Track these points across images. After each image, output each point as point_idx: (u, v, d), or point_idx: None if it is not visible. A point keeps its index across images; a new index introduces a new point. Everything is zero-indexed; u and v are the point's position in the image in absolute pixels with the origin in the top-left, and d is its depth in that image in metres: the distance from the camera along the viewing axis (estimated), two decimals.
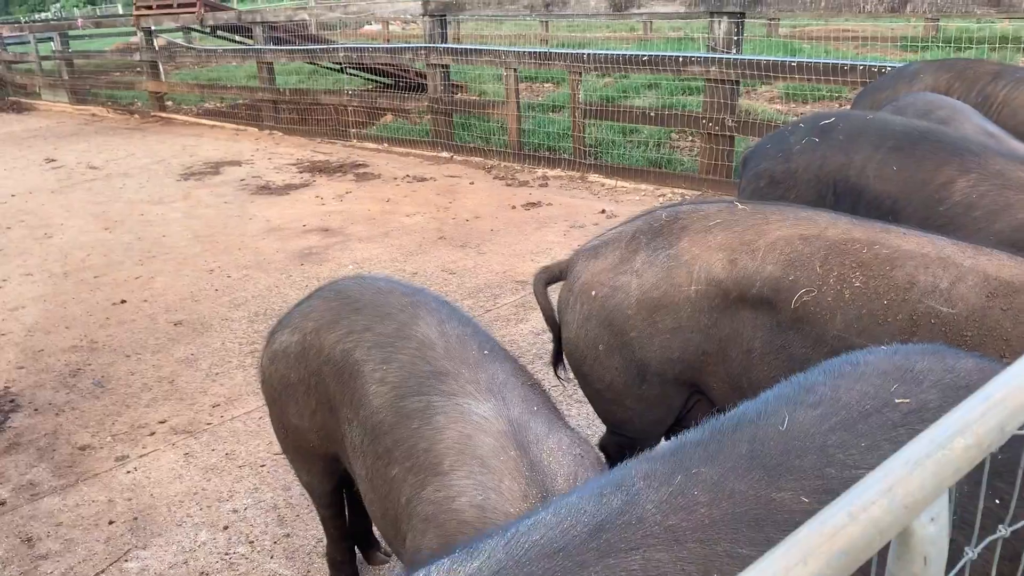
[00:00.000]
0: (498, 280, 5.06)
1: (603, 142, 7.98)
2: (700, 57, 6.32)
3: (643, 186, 6.99)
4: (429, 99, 8.48)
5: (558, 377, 2.87)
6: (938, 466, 0.60)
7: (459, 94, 10.27)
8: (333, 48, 9.82)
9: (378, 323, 2.05)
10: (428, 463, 1.73)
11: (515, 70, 7.62)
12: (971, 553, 0.84)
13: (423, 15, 8.21)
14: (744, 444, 1.23)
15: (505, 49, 7.82)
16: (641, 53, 6.99)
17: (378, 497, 1.89)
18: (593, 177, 7.35)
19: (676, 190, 6.76)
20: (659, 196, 6.71)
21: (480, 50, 7.99)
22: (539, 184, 7.32)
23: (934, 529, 0.62)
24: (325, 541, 2.59)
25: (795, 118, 7.82)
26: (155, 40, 12.38)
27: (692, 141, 8.42)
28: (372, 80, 11.32)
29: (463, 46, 8.27)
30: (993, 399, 0.66)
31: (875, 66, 5.37)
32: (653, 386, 2.50)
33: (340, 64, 10.48)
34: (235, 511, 3.03)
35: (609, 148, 7.85)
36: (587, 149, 7.56)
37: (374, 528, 2.68)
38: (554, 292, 2.65)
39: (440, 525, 1.64)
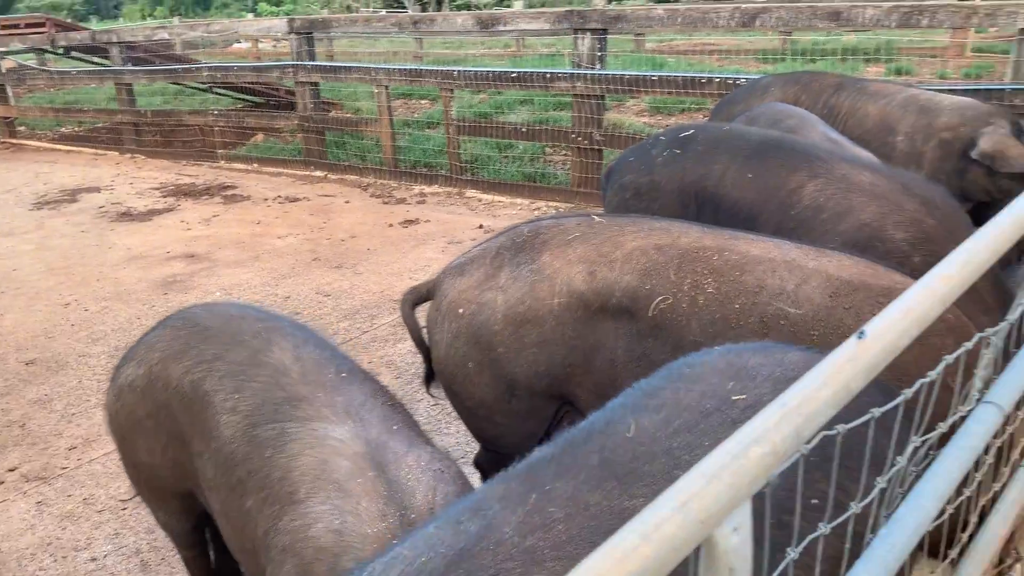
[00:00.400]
0: (375, 300, 4.98)
1: (479, 158, 8.01)
2: (566, 73, 6.45)
3: (519, 200, 7.05)
4: (299, 117, 8.30)
5: (432, 395, 2.84)
6: (734, 477, 0.61)
7: (332, 112, 10.10)
8: (196, 67, 9.47)
9: (229, 351, 1.98)
10: (283, 492, 1.69)
11: (386, 87, 7.55)
12: (792, 553, 0.86)
13: (289, 33, 8.03)
14: (595, 455, 1.24)
15: (375, 66, 7.76)
16: (510, 70, 7.07)
17: (235, 531, 1.83)
18: (470, 193, 7.37)
19: (550, 203, 6.86)
20: (534, 210, 6.79)
21: (349, 67, 7.88)
22: (416, 201, 7.28)
23: (737, 539, 0.63)
24: None
25: (660, 130, 8.08)
26: (1, 62, 11.60)
27: (565, 155, 8.57)
28: (241, 99, 10.98)
29: (331, 63, 8.16)
30: (789, 407, 0.67)
31: (730, 79, 5.61)
32: (523, 400, 2.50)
33: (206, 84, 10.12)
34: (94, 559, 2.84)
35: (485, 163, 7.89)
36: (463, 165, 7.57)
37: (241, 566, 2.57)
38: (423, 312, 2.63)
39: (298, 554, 1.60)
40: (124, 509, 3.11)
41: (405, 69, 7.59)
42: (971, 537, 1.47)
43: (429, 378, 2.72)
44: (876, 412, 0.88)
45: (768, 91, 4.73)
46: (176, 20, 17.81)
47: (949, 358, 1.03)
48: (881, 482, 0.98)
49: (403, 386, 3.86)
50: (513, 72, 6.86)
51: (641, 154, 3.48)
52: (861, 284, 2.21)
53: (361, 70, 7.74)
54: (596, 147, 6.43)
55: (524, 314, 2.41)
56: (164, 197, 7.86)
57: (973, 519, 1.46)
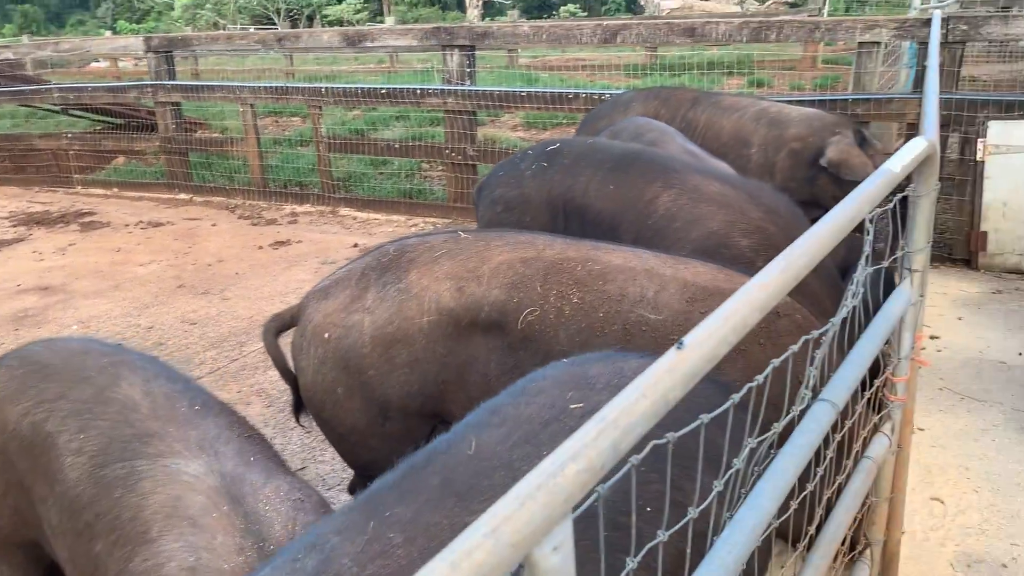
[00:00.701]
0: (244, 327, 4.81)
1: (353, 175, 7.90)
2: (437, 89, 6.45)
3: (395, 217, 6.99)
4: (160, 138, 7.96)
5: (302, 425, 2.76)
6: (549, 496, 0.61)
7: (198, 132, 9.74)
8: (46, 89, 8.93)
9: (73, 389, 1.88)
10: (135, 532, 1.61)
11: (252, 106, 7.35)
12: (632, 563, 0.87)
13: (147, 51, 7.70)
14: (436, 476, 1.24)
15: (239, 84, 7.54)
16: (379, 86, 7.01)
17: None
18: (344, 211, 7.25)
19: (427, 219, 6.84)
20: (411, 226, 6.75)
21: (212, 86, 7.64)
22: (288, 221, 7.10)
23: (558, 559, 0.63)
24: None
25: (529, 145, 8.20)
26: None
27: (441, 171, 8.56)
28: (100, 121, 10.43)
29: (193, 83, 7.87)
30: (607, 420, 0.68)
31: (595, 94, 5.76)
32: (396, 422, 2.47)
33: (59, 106, 9.54)
34: None
35: (360, 181, 7.78)
36: (336, 183, 7.45)
37: None
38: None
39: None
40: None
41: (271, 87, 7.40)
42: (818, 529, 1.54)
43: (298, 407, 2.64)
44: (705, 418, 0.90)
45: (630, 106, 4.88)
46: (25, 39, 16.78)
47: (776, 361, 1.08)
48: (718, 485, 1.00)
49: (275, 415, 3.75)
50: (383, 88, 6.80)
51: (510, 169, 3.53)
52: (715, 289, 2.29)
53: (225, 89, 7.50)
54: (470, 162, 6.46)
55: (393, 334, 2.38)
56: (14, 227, 7.36)
57: (819, 512, 1.53)
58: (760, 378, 1.00)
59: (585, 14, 40.64)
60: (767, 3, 30.76)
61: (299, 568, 1.10)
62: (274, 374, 4.17)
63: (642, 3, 31.98)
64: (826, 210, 4.30)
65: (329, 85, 7.27)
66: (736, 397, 0.96)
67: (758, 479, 1.16)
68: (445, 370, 2.39)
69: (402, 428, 2.49)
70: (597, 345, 2.27)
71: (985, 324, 4.26)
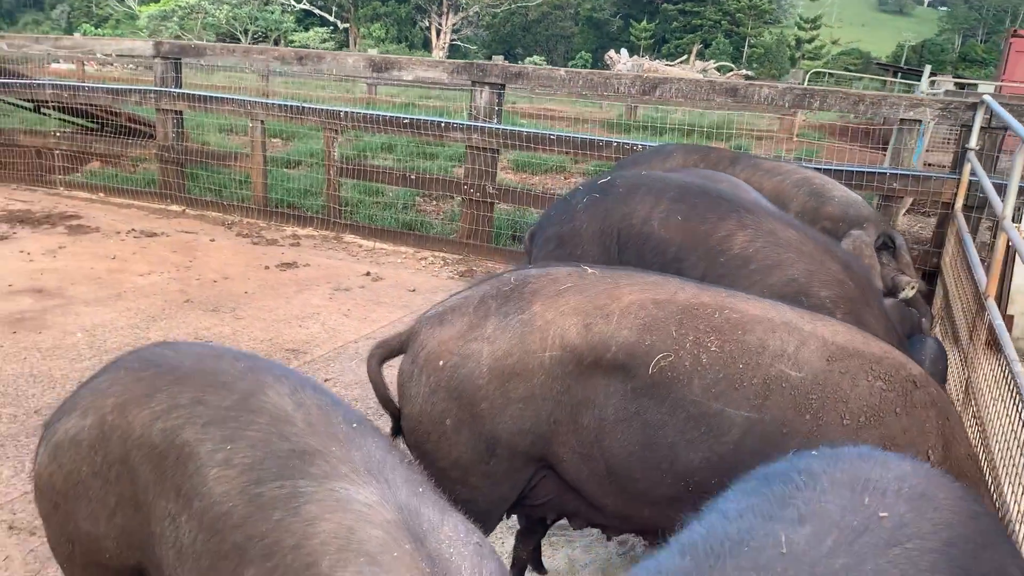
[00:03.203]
0: (264, 349, 4.58)
1: (350, 202, 7.73)
2: (462, 124, 6.38)
3: (403, 248, 6.84)
4: (158, 146, 7.68)
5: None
6: None
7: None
8: (38, 84, 8.58)
9: (212, 394, 1.69)
10: (299, 563, 1.42)
11: (262, 122, 7.16)
12: None
13: (155, 56, 7.45)
14: (750, 572, 1.12)
15: (251, 99, 7.34)
16: (402, 116, 6.90)
17: None
18: (349, 237, 7.07)
19: (437, 253, 6.70)
20: (420, 259, 6.60)
21: (221, 98, 7.41)
22: (290, 244, 6.88)
23: None
24: None
25: (529, 187, 8.16)
26: None
27: (436, 205, 8.46)
28: (70, 122, 10.00)
29: (202, 92, 7.63)
30: None
31: (627, 144, 5.76)
32: (502, 460, 2.34)
33: (34, 102, 9.11)
34: None
35: (357, 208, 7.62)
36: (341, 208, 7.27)
37: None
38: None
39: None
40: None
41: (285, 105, 7.21)
42: None
43: (395, 434, 2.49)
44: None
45: (671, 156, 4.91)
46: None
47: None
48: None
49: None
50: (405, 118, 6.70)
51: (562, 207, 3.48)
52: (854, 350, 2.24)
53: (235, 102, 7.29)
54: (489, 200, 6.37)
55: (513, 367, 2.26)
56: None
57: None
58: None
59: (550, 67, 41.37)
60: (728, 74, 31.98)
61: None
62: None
63: (608, 62, 32.78)
64: None
65: (348, 109, 7.12)
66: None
67: None
68: (559, 409, 2.28)
69: (506, 467, 2.36)
70: (733, 398, 2.18)
71: None
